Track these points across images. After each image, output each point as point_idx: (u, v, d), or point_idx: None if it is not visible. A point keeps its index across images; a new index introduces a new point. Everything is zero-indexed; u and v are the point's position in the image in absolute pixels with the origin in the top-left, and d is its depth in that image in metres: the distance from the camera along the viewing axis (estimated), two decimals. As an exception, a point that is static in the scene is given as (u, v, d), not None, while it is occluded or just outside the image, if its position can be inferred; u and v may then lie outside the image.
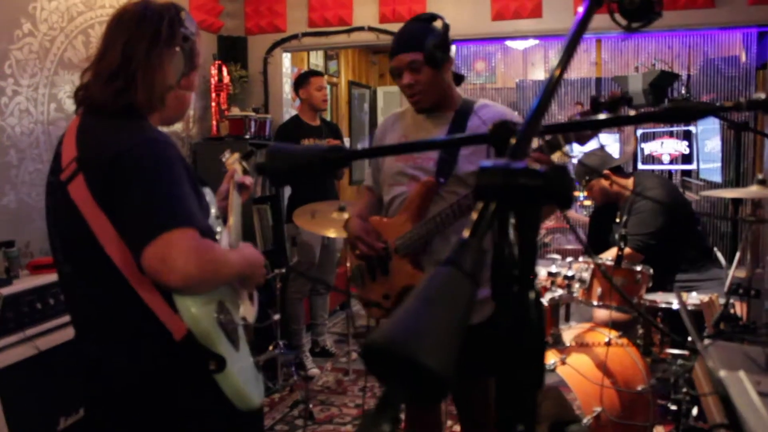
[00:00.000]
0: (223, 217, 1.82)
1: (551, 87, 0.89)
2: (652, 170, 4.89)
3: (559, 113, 5.45)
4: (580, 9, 1.01)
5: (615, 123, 1.26)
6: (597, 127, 1.39)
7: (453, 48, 2.14)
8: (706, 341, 1.84)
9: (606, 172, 3.50)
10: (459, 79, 2.26)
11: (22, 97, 3.27)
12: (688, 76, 4.71)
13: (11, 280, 2.70)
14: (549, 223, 5.19)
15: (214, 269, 1.40)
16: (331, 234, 3.98)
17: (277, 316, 2.53)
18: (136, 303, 1.41)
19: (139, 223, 1.35)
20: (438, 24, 2.11)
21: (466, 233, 0.64)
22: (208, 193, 1.64)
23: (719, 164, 4.87)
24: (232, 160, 2.04)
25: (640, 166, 5.16)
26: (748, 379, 1.39)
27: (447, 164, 2.09)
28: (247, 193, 1.99)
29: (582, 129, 1.44)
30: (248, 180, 2.00)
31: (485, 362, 1.41)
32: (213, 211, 1.64)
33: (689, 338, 2.57)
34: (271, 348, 3.62)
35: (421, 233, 2.09)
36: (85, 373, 1.53)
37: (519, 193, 0.66)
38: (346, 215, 3.51)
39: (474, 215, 0.66)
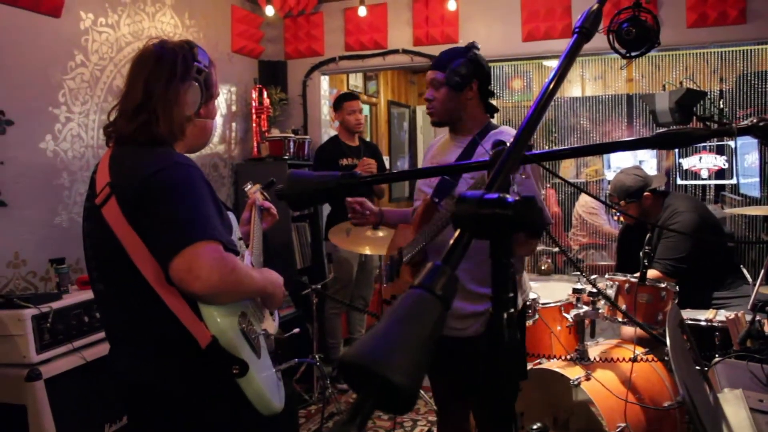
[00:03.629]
0: (245, 240, 1.96)
1: (533, 120, 0.96)
2: (685, 188, 4.85)
3: (593, 131, 5.44)
4: (571, 40, 1.08)
5: (609, 149, 1.31)
6: (587, 154, 1.45)
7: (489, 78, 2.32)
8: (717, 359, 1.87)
9: (646, 194, 3.44)
10: (492, 110, 2.41)
11: (75, 123, 3.49)
12: (721, 91, 4.66)
13: (61, 295, 2.87)
14: (582, 239, 5.17)
15: (236, 280, 1.51)
16: (367, 251, 4.06)
17: (296, 330, 2.65)
18: (165, 314, 1.53)
19: (168, 237, 1.47)
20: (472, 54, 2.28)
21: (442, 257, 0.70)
22: (231, 217, 1.77)
23: (758, 179, 4.80)
24: (254, 189, 2.20)
25: (679, 182, 5.10)
26: (744, 397, 1.42)
27: (446, 185, 2.27)
28: (272, 219, 2.15)
29: (569, 157, 1.52)
30: (273, 208, 2.15)
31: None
32: (236, 233, 1.77)
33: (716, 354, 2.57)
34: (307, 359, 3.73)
35: (417, 244, 2.26)
36: (119, 385, 1.65)
37: (490, 222, 0.73)
38: (381, 233, 3.61)
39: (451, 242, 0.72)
